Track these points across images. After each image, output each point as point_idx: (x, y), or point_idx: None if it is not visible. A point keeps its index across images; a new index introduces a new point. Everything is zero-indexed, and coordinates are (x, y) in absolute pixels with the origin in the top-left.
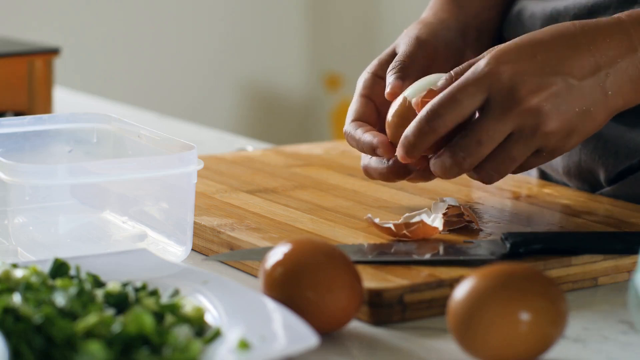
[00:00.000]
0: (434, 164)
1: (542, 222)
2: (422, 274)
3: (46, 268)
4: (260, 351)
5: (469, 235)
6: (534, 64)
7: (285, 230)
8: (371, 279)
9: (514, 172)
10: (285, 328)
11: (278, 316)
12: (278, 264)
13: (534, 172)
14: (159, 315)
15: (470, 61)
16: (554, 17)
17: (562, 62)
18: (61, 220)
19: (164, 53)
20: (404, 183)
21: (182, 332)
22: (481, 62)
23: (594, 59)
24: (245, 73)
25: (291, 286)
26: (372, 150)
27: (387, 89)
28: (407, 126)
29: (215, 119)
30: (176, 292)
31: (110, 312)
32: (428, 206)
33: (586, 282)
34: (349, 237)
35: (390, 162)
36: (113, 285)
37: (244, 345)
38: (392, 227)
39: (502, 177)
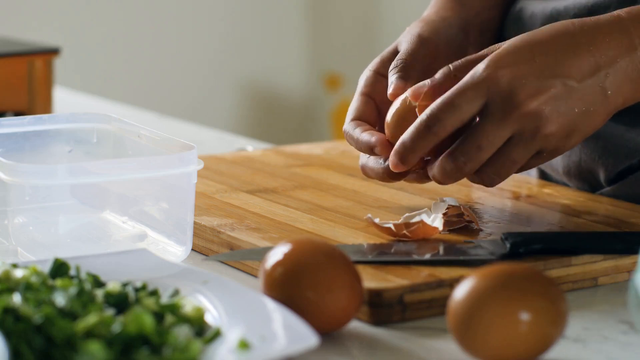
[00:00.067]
0: (433, 168)
1: (542, 222)
2: (422, 274)
3: (46, 268)
4: (260, 351)
5: (469, 235)
6: (533, 67)
7: (285, 230)
8: (371, 279)
9: (517, 172)
10: (285, 328)
11: (278, 316)
12: (278, 264)
13: (534, 172)
14: (159, 315)
15: (469, 58)
16: (554, 17)
17: (561, 63)
18: (61, 220)
19: (164, 53)
20: (404, 183)
21: (182, 332)
22: (479, 66)
23: (593, 59)
24: (245, 73)
25: (291, 286)
26: (370, 149)
27: (390, 90)
28: (406, 127)
29: (215, 119)
30: (176, 292)
31: (110, 312)
32: (428, 206)
33: (586, 282)
34: (349, 237)
35: (387, 162)
36: (113, 285)
37: (244, 345)
38: (392, 227)
39: (503, 179)
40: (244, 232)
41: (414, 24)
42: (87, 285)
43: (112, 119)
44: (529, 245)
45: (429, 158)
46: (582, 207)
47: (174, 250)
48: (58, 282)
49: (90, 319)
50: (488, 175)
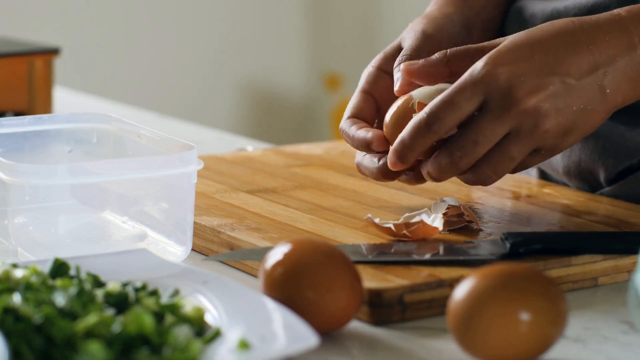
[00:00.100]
0: (428, 165)
1: (542, 222)
2: (422, 274)
3: (46, 268)
4: (260, 351)
5: (469, 235)
6: (532, 65)
7: (285, 230)
8: (371, 279)
9: (512, 172)
10: (285, 328)
11: (278, 316)
12: (278, 264)
13: (534, 172)
14: (159, 315)
15: (470, 47)
16: (554, 17)
17: (560, 61)
18: (61, 220)
19: (164, 53)
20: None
21: (182, 332)
22: (478, 64)
23: (592, 58)
24: (245, 73)
25: (291, 286)
26: (366, 145)
27: (396, 87)
28: (405, 127)
29: (215, 119)
30: (176, 292)
31: (110, 312)
32: (428, 206)
33: (586, 282)
34: (349, 237)
35: (381, 162)
36: (113, 285)
37: (244, 345)
38: (392, 227)
39: (499, 177)
40: (244, 232)
41: (416, 20)
42: (87, 285)
43: (112, 119)
44: (529, 245)
45: (422, 160)
46: (582, 207)
47: (174, 250)
48: (58, 282)
49: (90, 319)
50: (484, 171)
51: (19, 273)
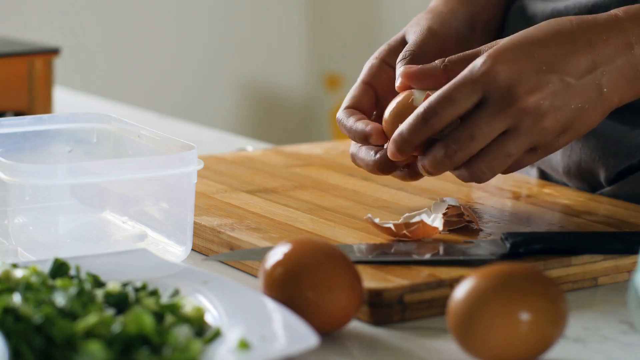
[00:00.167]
0: (424, 158)
1: (542, 222)
2: (422, 274)
3: (46, 268)
4: (260, 351)
5: (469, 235)
6: (532, 63)
7: (285, 230)
8: (371, 279)
9: (505, 172)
10: (285, 328)
11: (278, 316)
12: (278, 264)
13: (534, 172)
14: (159, 315)
15: (467, 53)
16: (554, 17)
17: (559, 60)
18: (61, 220)
19: (164, 53)
20: (404, 183)
21: (182, 332)
22: (478, 61)
23: (591, 57)
24: (245, 73)
25: (291, 286)
26: (364, 138)
27: (397, 82)
28: None
29: (215, 119)
30: (176, 292)
31: (110, 312)
32: (428, 206)
33: (586, 282)
34: (349, 237)
35: (377, 155)
36: (113, 285)
37: (244, 345)
38: (392, 227)
39: (493, 175)
40: (244, 232)
41: (421, 15)
42: (87, 285)
43: (112, 119)
44: (529, 245)
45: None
46: (582, 207)
47: (174, 250)
48: (58, 282)
49: (90, 319)
50: (479, 167)
51: (19, 273)
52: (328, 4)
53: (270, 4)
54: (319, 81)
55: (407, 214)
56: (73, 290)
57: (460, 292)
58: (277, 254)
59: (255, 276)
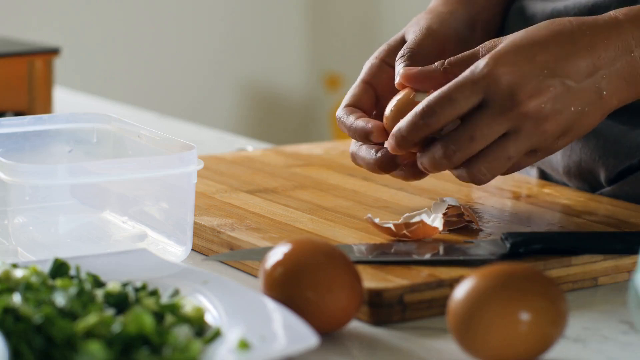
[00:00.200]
0: (423, 156)
1: (542, 222)
2: (422, 274)
3: (46, 268)
4: (260, 351)
5: (469, 235)
6: (533, 67)
7: (285, 230)
8: (371, 279)
9: (504, 174)
10: (285, 328)
11: (278, 316)
12: (278, 264)
13: (534, 172)
14: (159, 315)
15: (465, 54)
16: (554, 17)
17: (560, 63)
18: (61, 220)
19: (164, 53)
20: (404, 183)
21: (182, 332)
22: (480, 63)
23: (591, 60)
24: (245, 73)
25: (291, 286)
26: (365, 136)
27: (397, 79)
28: None
29: (215, 119)
30: (176, 292)
31: (110, 312)
32: (428, 206)
33: (586, 282)
34: (349, 237)
35: (379, 154)
36: (113, 285)
37: (244, 345)
38: (392, 227)
39: (493, 177)
40: (244, 232)
41: (421, 15)
42: (87, 285)
43: (112, 119)
44: (529, 245)
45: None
46: (582, 207)
47: (174, 250)
48: (58, 282)
49: (90, 319)
50: (479, 169)
51: (19, 273)
52: (328, 4)
53: (270, 4)
54: (319, 81)
55: (407, 214)
56: (73, 290)
57: (460, 292)
58: (277, 254)
59: (255, 276)
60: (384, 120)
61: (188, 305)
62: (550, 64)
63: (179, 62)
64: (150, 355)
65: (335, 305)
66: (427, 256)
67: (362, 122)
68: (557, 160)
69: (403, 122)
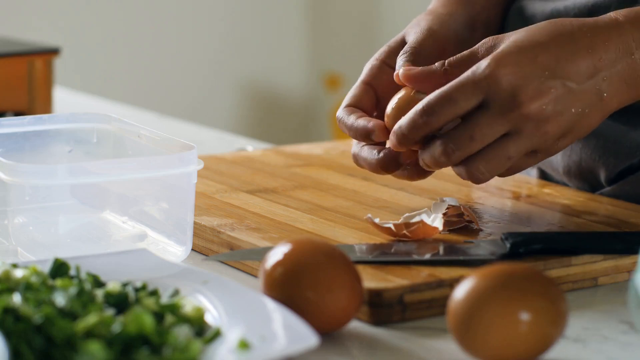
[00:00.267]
0: (424, 152)
1: (542, 222)
2: (422, 274)
3: (46, 268)
4: (260, 351)
5: (469, 235)
6: (535, 68)
7: (285, 230)
8: (371, 279)
9: (503, 175)
10: (285, 328)
11: (278, 316)
12: (278, 264)
13: (534, 172)
14: (159, 315)
15: (464, 54)
16: (554, 17)
17: (561, 64)
18: (61, 220)
19: (164, 53)
20: (404, 183)
21: (182, 332)
22: (482, 63)
23: (592, 62)
24: (245, 73)
25: (291, 286)
26: (366, 135)
27: (399, 72)
28: None
29: (215, 119)
30: (176, 292)
31: (110, 312)
32: (428, 206)
33: (586, 282)
34: (349, 237)
35: (381, 154)
36: (113, 285)
37: (244, 345)
38: (392, 227)
39: (492, 176)
40: (244, 232)
41: (421, 17)
42: (87, 285)
43: (112, 119)
44: (529, 245)
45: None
46: (582, 207)
47: (174, 250)
48: (58, 282)
49: (90, 319)
50: (477, 168)
51: (19, 273)
52: (328, 4)
53: (270, 4)
54: (319, 81)
55: (407, 214)
56: (73, 290)
57: (460, 292)
58: (277, 254)
59: (255, 276)
60: (385, 118)
61: (188, 305)
62: (551, 64)
63: (179, 62)
64: (150, 355)
65: (335, 305)
66: (427, 256)
67: (363, 122)
68: (557, 160)
69: (404, 120)
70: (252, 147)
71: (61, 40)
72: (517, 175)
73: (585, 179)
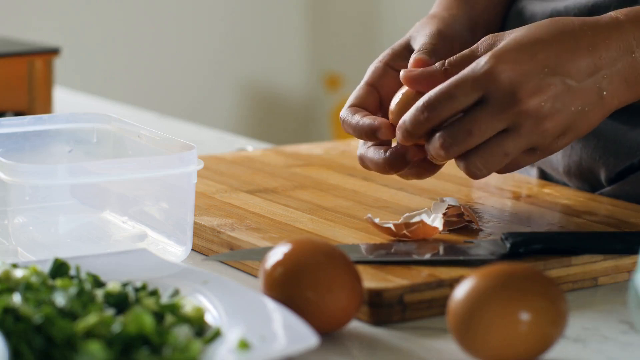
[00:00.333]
0: (428, 145)
1: (542, 222)
2: (422, 274)
3: (46, 268)
4: (260, 351)
5: (469, 235)
6: (534, 65)
7: (285, 230)
8: (371, 279)
9: (502, 172)
10: (285, 328)
11: (278, 316)
12: (278, 264)
13: (534, 172)
14: (159, 315)
15: (464, 53)
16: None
17: (561, 61)
18: (61, 220)
19: (164, 53)
20: (404, 183)
21: (182, 332)
22: (481, 60)
23: (592, 60)
24: (245, 73)
25: (291, 286)
26: (372, 133)
27: (400, 74)
28: None
29: (215, 119)
30: (176, 292)
31: (110, 312)
32: (428, 206)
33: (586, 282)
34: (349, 237)
35: (388, 153)
36: (113, 285)
37: (244, 345)
38: (392, 227)
39: (489, 172)
40: (244, 232)
41: (425, 20)
42: (87, 285)
43: (112, 119)
44: (529, 245)
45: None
46: (582, 207)
47: (174, 250)
48: (58, 282)
49: (90, 319)
50: (475, 164)
51: (19, 273)
52: (328, 4)
53: (270, 4)
54: (319, 81)
55: (407, 214)
56: (73, 290)
57: (460, 292)
58: (277, 254)
59: (255, 276)
60: (390, 114)
61: (188, 305)
62: (551, 62)
63: (179, 62)
64: (150, 355)
65: (335, 305)
66: (427, 256)
67: (368, 120)
68: (557, 160)
69: (407, 116)
70: (252, 147)
71: (61, 40)
72: (517, 175)
73: (585, 179)
